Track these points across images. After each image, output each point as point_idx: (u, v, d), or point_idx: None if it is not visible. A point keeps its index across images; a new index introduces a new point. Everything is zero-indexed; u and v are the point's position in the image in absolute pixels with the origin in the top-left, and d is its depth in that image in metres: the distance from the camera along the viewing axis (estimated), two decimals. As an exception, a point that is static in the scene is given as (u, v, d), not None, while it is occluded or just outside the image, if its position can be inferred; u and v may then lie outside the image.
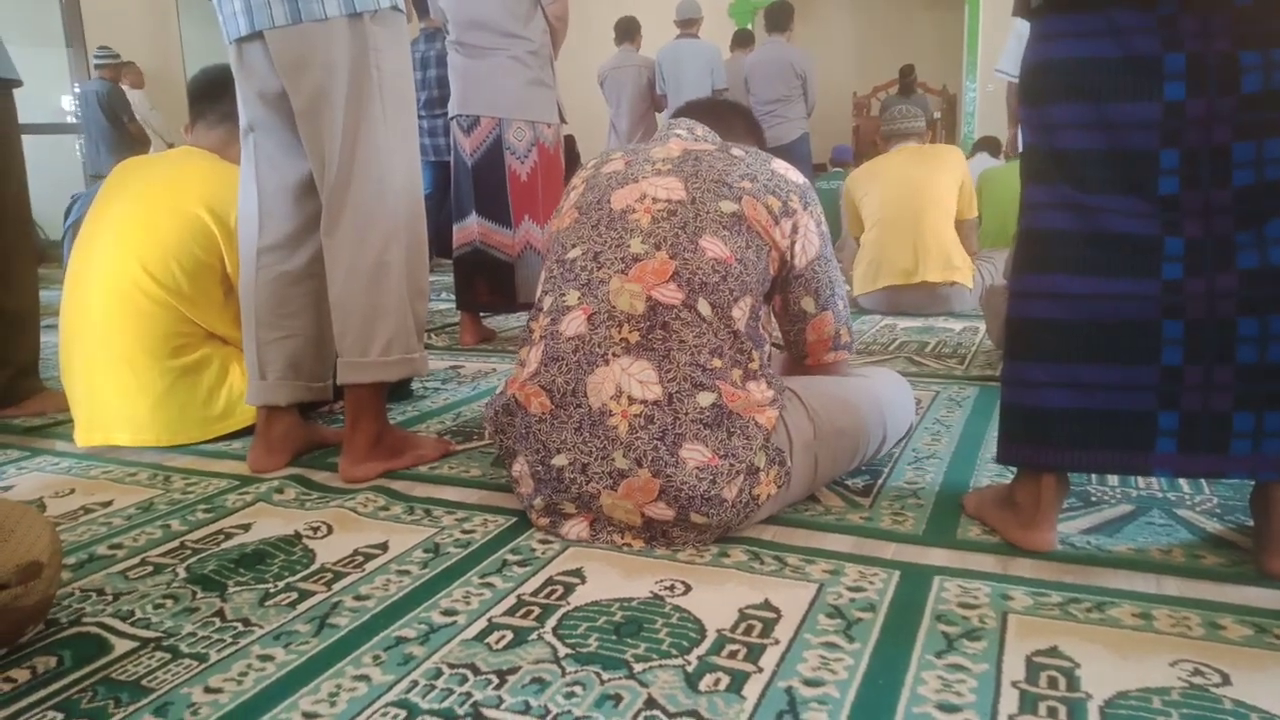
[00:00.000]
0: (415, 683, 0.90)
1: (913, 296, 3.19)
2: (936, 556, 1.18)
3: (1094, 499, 1.36)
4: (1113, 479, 1.44)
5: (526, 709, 0.85)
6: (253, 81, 1.52)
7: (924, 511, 1.34)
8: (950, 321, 3.11)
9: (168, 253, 1.74)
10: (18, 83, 2.05)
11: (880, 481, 1.47)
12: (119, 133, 6.37)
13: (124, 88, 6.57)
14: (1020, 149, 1.25)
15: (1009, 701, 0.85)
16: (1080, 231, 1.12)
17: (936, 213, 3.14)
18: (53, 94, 7.19)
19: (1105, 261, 1.11)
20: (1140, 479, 1.43)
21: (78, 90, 6.64)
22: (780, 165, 1.36)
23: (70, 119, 7.03)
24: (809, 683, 0.88)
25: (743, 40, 6.09)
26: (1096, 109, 1.10)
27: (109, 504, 1.46)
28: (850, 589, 1.08)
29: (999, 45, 4.94)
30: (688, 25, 5.49)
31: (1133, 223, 1.10)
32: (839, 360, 1.44)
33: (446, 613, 1.05)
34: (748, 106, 5.04)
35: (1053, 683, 0.87)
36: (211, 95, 1.88)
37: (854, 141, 8.75)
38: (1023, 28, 1.24)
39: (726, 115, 1.54)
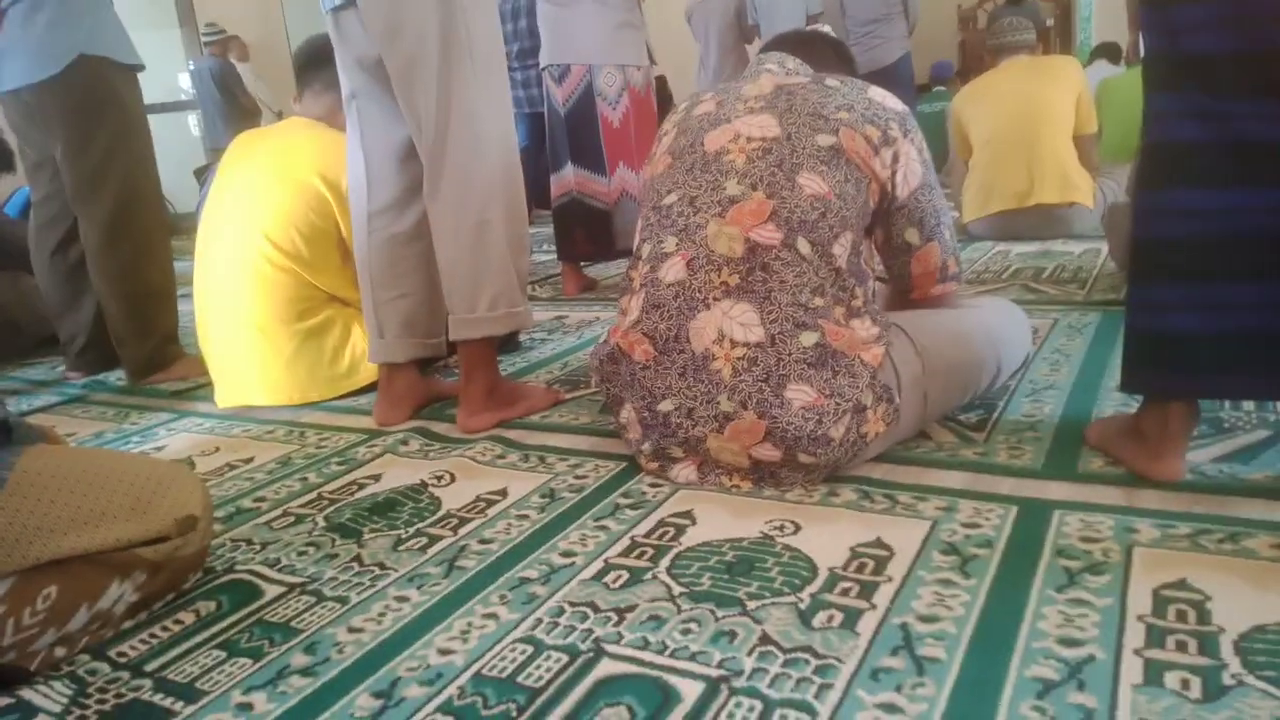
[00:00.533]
0: (540, 620, 0.95)
1: (1028, 220, 3.03)
2: (1056, 490, 1.15)
3: (1227, 425, 1.29)
4: (1248, 404, 1.36)
5: (645, 644, 0.88)
6: (350, 49, 1.56)
7: (1042, 445, 1.30)
8: (1069, 244, 2.95)
9: (287, 221, 1.82)
10: (141, 67, 2.17)
11: (995, 415, 1.43)
12: (233, 107, 6.64)
13: (233, 61, 6.83)
14: (1142, 55, 1.17)
15: (1134, 635, 0.83)
16: (1212, 141, 1.04)
17: (1052, 129, 2.96)
18: (169, 73, 7.54)
19: (1242, 172, 1.03)
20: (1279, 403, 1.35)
21: (192, 68, 6.94)
22: (878, 93, 1.32)
23: (184, 96, 7.37)
24: (924, 619, 0.88)
25: (837, -40, 5.82)
26: (1228, 4, 1.01)
27: (250, 460, 1.57)
28: (965, 525, 1.07)
29: (1118, -58, 4.57)
30: (778, -50, 5.28)
31: (1268, 127, 1.02)
32: (947, 292, 1.39)
33: (565, 554, 1.09)
34: (841, 33, 4.86)
35: (1182, 616, 0.85)
36: (316, 65, 1.94)
37: (959, 58, 8.30)
38: (1140, -73, 1.14)
39: (818, 46, 1.49)
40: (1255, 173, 1.02)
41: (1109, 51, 5.23)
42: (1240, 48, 1.01)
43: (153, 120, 2.22)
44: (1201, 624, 0.83)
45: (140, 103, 2.18)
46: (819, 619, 0.90)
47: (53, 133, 2.07)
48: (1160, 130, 1.09)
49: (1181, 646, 0.80)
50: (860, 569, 0.99)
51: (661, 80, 5.52)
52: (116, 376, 2.31)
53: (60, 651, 0.94)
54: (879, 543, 1.05)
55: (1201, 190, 1.05)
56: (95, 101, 2.05)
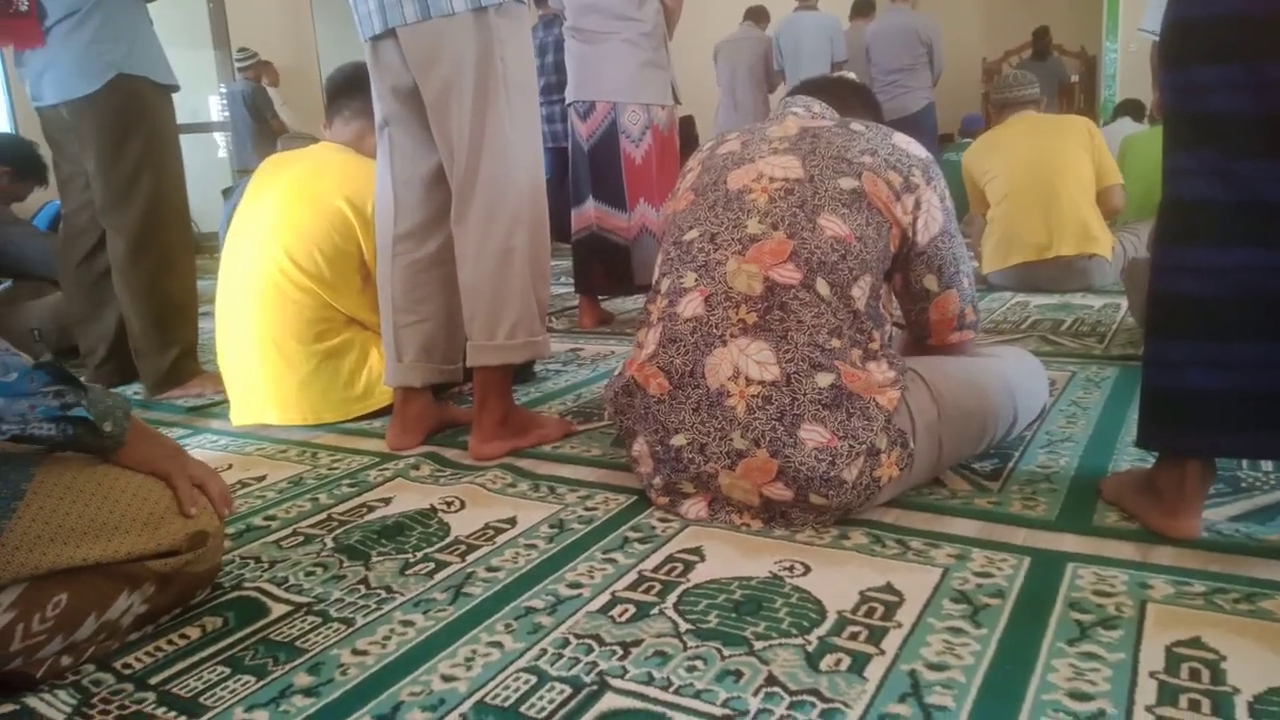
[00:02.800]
0: (544, 650, 0.94)
1: (1048, 272, 3.04)
2: (1070, 543, 1.14)
3: (1244, 484, 1.28)
4: (1267, 464, 1.35)
5: (650, 680, 0.87)
6: (387, 78, 1.60)
7: (1057, 496, 1.29)
8: (1089, 297, 2.95)
9: (310, 242, 1.85)
10: (176, 87, 2.22)
11: (1010, 465, 1.42)
12: (263, 129, 6.76)
13: (264, 85, 6.97)
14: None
15: (1146, 692, 0.81)
16: (1230, 200, 1.04)
17: (1070, 180, 2.97)
18: (200, 94, 7.68)
19: (1260, 233, 1.03)
20: (1299, 464, 1.33)
21: (224, 90, 7.08)
22: (901, 139, 1.33)
23: (217, 118, 7.50)
24: (933, 666, 0.87)
25: (863, 9, 5.91)
26: (1249, 68, 1.02)
27: (263, 478, 1.58)
28: (977, 574, 1.06)
29: (1141, 1, 4.62)
30: (806, -2, 5.38)
31: None
32: (964, 340, 1.40)
33: (572, 585, 1.09)
34: (866, 81, 4.92)
35: (1195, 675, 0.84)
36: (346, 92, 1.99)
37: (984, 109, 8.36)
38: (1164, -15, 1.16)
39: (843, 92, 1.51)
40: (1267, 233, 1.02)
41: (1133, 108, 5.26)
42: (1259, 110, 1.02)
43: (181, 140, 2.27)
44: (1215, 684, 0.82)
45: (173, 122, 2.22)
46: (826, 662, 0.89)
47: (87, 146, 2.12)
48: (1178, 188, 1.09)
49: (1195, 706, 0.79)
50: (870, 613, 0.98)
51: (689, 120, 5.59)
52: (134, 390, 2.33)
53: (66, 660, 0.94)
54: (889, 588, 1.04)
55: (1219, 249, 1.05)
56: (130, 118, 2.10)
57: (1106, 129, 4.31)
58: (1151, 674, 0.84)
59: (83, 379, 0.95)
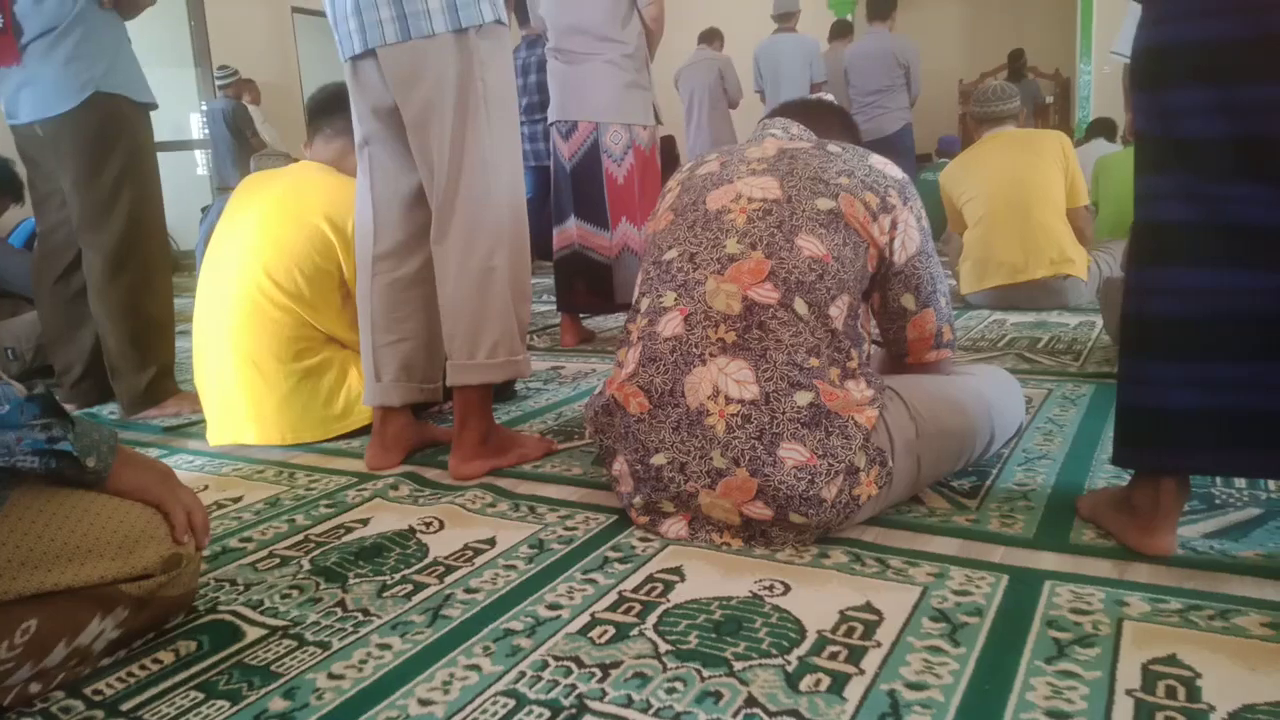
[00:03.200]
0: (523, 673, 0.93)
1: (1024, 293, 3.07)
2: (1047, 560, 1.14)
3: (1218, 501, 1.30)
4: (1240, 481, 1.36)
5: (629, 702, 0.87)
6: (367, 97, 1.60)
7: (1034, 514, 1.30)
8: (1065, 315, 2.99)
9: (290, 260, 1.84)
10: (154, 105, 2.21)
11: (988, 483, 1.43)
12: (243, 147, 6.74)
13: (245, 103, 6.95)
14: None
15: (1123, 710, 0.82)
16: (1204, 222, 1.06)
17: (1043, 203, 3.00)
18: (180, 112, 7.65)
19: (1235, 255, 1.05)
20: (1271, 481, 1.35)
21: (204, 108, 7.06)
22: (878, 160, 1.35)
23: (198, 135, 7.48)
24: (912, 686, 0.87)
25: (842, 31, 5.99)
26: (1222, 92, 1.04)
27: (239, 499, 1.56)
28: (956, 592, 1.07)
29: (1114, 25, 4.71)
30: (785, 20, 5.44)
31: (1262, 212, 1.04)
32: (941, 359, 1.41)
33: (551, 607, 1.08)
34: (844, 102, 4.97)
35: (1171, 692, 0.84)
36: (328, 111, 1.99)
37: (960, 130, 8.47)
38: (1136, 8, 1.18)
39: (822, 114, 1.53)
40: (1250, 256, 1.04)
41: (1106, 128, 5.34)
42: (1234, 133, 1.03)
43: (160, 158, 2.26)
44: (1191, 701, 0.83)
45: (151, 139, 2.21)
46: (806, 682, 0.89)
47: (64, 164, 2.10)
48: (1151, 211, 1.11)
49: (1171, 724, 0.80)
50: (849, 633, 0.98)
51: (670, 140, 5.64)
52: (110, 410, 2.30)
53: (35, 688, 0.92)
54: (869, 607, 1.04)
55: (1194, 271, 1.06)
56: (108, 136, 2.09)
57: (1080, 149, 4.36)
58: (1128, 691, 0.85)
59: (66, 406, 0.94)
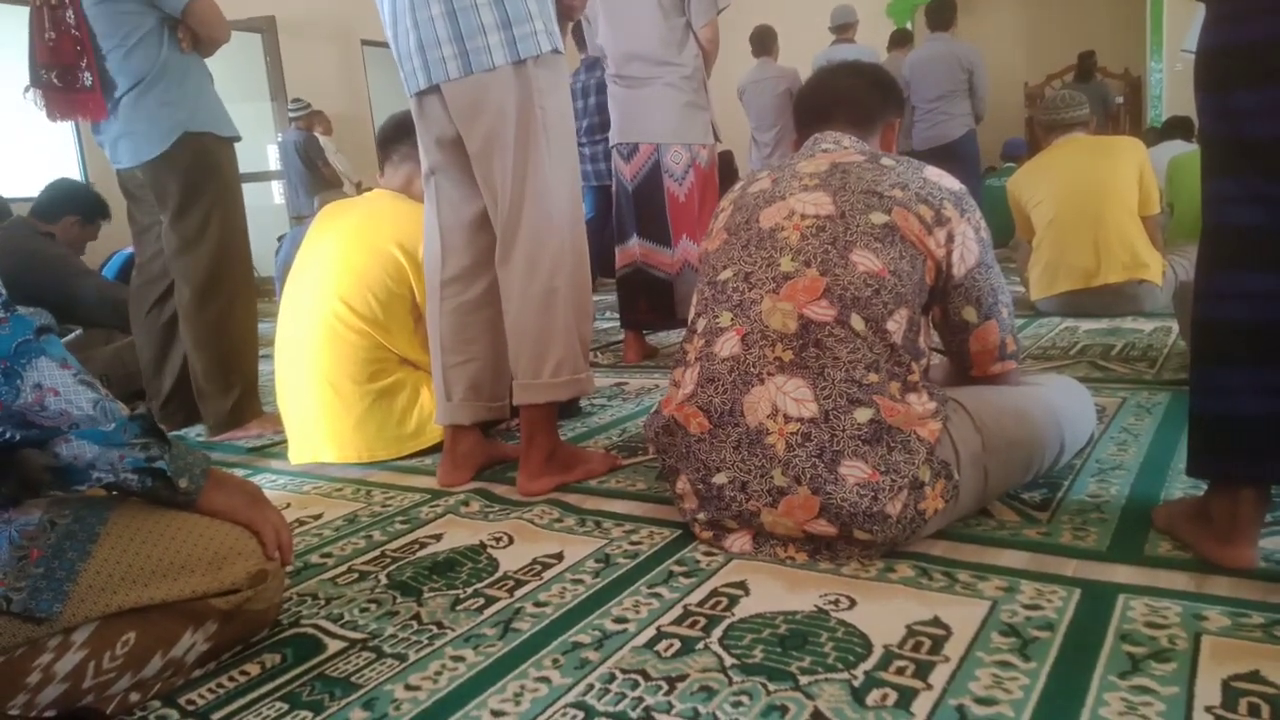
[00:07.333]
0: (591, 686, 0.95)
1: (1096, 299, 2.99)
2: (1122, 574, 1.12)
3: (1305, 513, 1.25)
4: (1329, 491, 1.31)
5: (696, 715, 0.88)
6: (432, 130, 1.66)
7: (1108, 526, 1.27)
8: (1139, 321, 2.90)
9: (365, 285, 1.91)
10: (238, 138, 2.32)
11: (1059, 495, 1.41)
12: (314, 176, 6.98)
13: (316, 134, 7.20)
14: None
15: (1201, 728, 0.80)
16: (1272, 225, 1.03)
17: (1117, 206, 2.93)
18: (258, 144, 7.96)
19: None
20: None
21: (279, 139, 7.33)
22: (933, 172, 1.34)
23: (274, 166, 7.76)
24: (982, 701, 0.87)
25: (900, 40, 5.92)
26: None
27: (319, 516, 1.62)
28: (1026, 607, 1.05)
29: (1185, 21, 4.56)
30: (843, 31, 5.41)
31: None
32: (1006, 370, 1.39)
33: (618, 620, 1.10)
34: (906, 110, 4.89)
35: (1254, 710, 0.82)
36: (394, 139, 2.07)
37: (1027, 134, 8.29)
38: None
39: (860, 94, 1.48)
40: None
41: (1182, 126, 5.14)
42: None
43: (243, 188, 2.37)
44: (1276, 719, 0.80)
45: (236, 170, 2.33)
46: (873, 697, 0.89)
47: (161, 201, 2.23)
48: (1219, 214, 1.09)
49: (1252, 742, 0.78)
50: (916, 648, 0.98)
51: (727, 155, 5.62)
52: (197, 433, 2.41)
53: (134, 697, 0.98)
54: (936, 621, 1.03)
55: (1263, 274, 1.04)
56: (200, 172, 2.21)
57: (1153, 149, 4.22)
58: (1207, 708, 0.83)
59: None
